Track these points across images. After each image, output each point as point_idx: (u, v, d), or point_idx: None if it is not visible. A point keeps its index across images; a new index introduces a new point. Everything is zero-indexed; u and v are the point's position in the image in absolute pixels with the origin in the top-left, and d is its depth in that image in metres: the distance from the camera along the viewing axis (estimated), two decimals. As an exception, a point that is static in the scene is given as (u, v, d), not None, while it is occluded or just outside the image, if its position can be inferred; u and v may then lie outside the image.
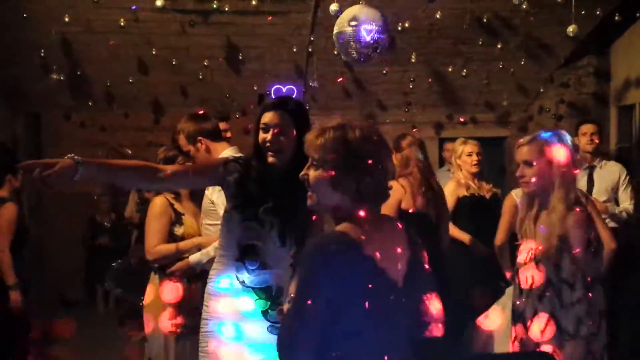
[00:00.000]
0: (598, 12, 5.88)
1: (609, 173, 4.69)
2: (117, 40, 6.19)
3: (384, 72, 6.71)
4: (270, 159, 2.37)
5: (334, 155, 1.70)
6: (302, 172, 1.79)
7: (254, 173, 2.40)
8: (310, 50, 6.51)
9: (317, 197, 1.76)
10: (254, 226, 2.38)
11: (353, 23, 4.00)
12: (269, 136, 2.36)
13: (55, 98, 6.77)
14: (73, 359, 4.93)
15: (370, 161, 1.70)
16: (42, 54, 6.13)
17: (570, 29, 4.93)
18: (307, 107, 7.10)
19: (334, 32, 4.19)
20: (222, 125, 3.57)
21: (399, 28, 5.94)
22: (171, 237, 3.25)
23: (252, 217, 2.38)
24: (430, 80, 7.06)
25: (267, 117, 2.38)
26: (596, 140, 4.69)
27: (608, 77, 6.99)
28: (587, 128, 4.74)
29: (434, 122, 7.57)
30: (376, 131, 1.79)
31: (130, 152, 7.08)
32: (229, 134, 3.99)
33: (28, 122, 7.08)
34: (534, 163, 2.50)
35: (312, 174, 1.75)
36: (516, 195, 3.76)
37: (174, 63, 6.42)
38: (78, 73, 6.51)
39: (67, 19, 5.68)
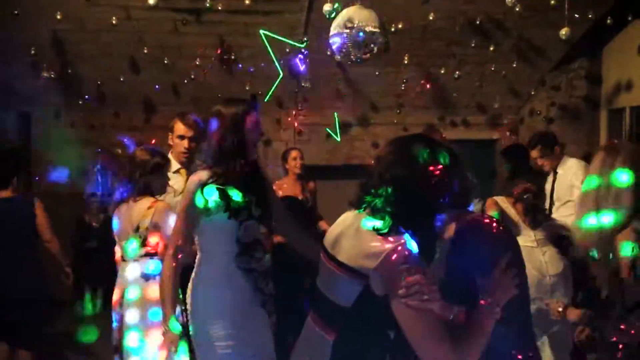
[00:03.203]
0: (590, 16, 5.91)
1: (566, 173, 4.79)
2: (109, 39, 6.14)
3: (377, 73, 6.71)
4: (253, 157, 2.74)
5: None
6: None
7: (234, 178, 2.64)
8: (303, 50, 6.49)
9: None
10: (252, 224, 2.68)
11: (349, 25, 3.99)
12: (257, 136, 2.76)
13: (46, 97, 6.70)
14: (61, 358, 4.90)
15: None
16: (33, 52, 6.07)
17: (563, 32, 4.95)
18: (300, 108, 7.15)
19: (330, 33, 4.18)
20: None
21: (392, 29, 5.94)
22: None
23: (249, 217, 2.67)
24: (422, 81, 7.07)
25: (253, 119, 2.71)
26: (540, 163, 4.90)
27: (599, 81, 7.04)
28: (533, 154, 4.90)
29: (425, 124, 7.56)
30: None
31: (120, 152, 7.02)
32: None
33: (18, 121, 7.01)
34: None
35: None
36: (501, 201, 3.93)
37: (165, 62, 6.38)
38: (69, 71, 6.45)
39: (58, 17, 5.60)
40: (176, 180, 3.76)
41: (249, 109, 2.69)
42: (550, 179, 5.00)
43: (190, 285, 2.75)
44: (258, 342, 2.70)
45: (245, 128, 2.65)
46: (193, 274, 2.75)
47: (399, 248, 1.74)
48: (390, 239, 1.76)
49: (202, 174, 2.64)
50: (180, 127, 3.81)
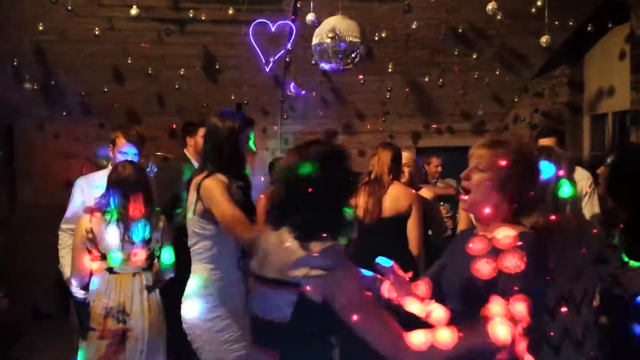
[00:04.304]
0: (571, 23, 5.98)
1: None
2: (92, 49, 6.12)
3: (362, 81, 6.74)
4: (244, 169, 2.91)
5: (507, 160, 1.91)
6: (464, 174, 1.99)
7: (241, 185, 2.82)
8: (288, 59, 6.51)
9: (474, 197, 1.96)
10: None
11: (331, 34, 4.02)
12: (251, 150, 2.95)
13: (29, 108, 6.65)
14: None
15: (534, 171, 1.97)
16: (15, 63, 6.02)
17: (543, 39, 5.00)
18: (286, 117, 7.16)
19: (313, 42, 4.20)
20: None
21: (376, 38, 5.98)
22: None
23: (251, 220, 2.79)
24: (407, 90, 7.11)
25: (247, 134, 2.92)
26: None
27: (581, 87, 7.10)
28: (546, 142, 4.84)
29: (411, 131, 7.61)
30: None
31: (105, 163, 6.97)
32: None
33: (1, 133, 6.94)
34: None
35: (476, 177, 1.95)
36: None
37: (150, 72, 6.36)
38: (52, 82, 6.40)
39: (41, 28, 5.57)
40: None
41: (245, 125, 2.87)
42: None
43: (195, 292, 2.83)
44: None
45: (240, 142, 2.84)
46: (200, 282, 2.83)
47: (323, 253, 1.78)
48: (313, 245, 1.81)
49: (222, 177, 2.77)
50: (122, 143, 3.79)
